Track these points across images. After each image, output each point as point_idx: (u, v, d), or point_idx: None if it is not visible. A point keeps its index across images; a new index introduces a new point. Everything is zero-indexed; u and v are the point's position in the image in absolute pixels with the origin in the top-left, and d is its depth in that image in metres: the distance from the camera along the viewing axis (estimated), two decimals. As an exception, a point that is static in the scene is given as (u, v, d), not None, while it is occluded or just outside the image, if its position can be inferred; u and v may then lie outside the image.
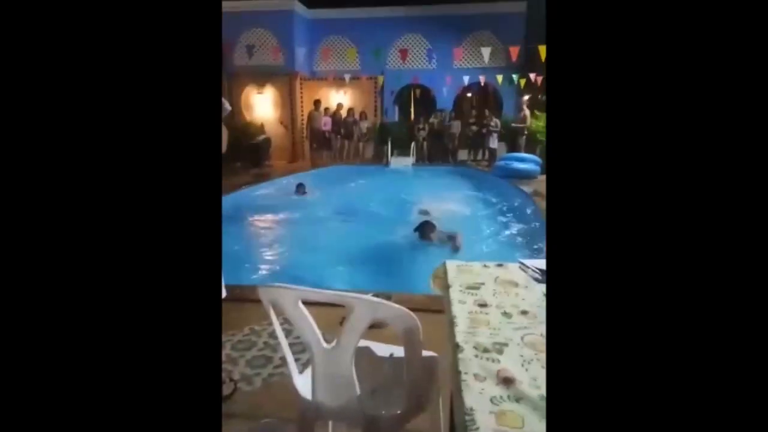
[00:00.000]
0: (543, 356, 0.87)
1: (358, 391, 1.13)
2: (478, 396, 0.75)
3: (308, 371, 1.26)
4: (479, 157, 11.14)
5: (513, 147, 10.11)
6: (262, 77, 11.96)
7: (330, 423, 1.48)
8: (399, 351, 1.34)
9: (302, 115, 12.09)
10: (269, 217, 6.36)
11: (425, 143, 11.21)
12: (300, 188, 7.87)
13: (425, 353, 1.30)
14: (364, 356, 1.36)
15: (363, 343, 1.41)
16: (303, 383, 1.28)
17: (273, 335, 2.36)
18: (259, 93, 12.28)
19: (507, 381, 0.79)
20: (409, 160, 10.55)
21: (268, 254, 4.89)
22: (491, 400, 0.74)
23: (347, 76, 11.75)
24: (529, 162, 8.63)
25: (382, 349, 1.45)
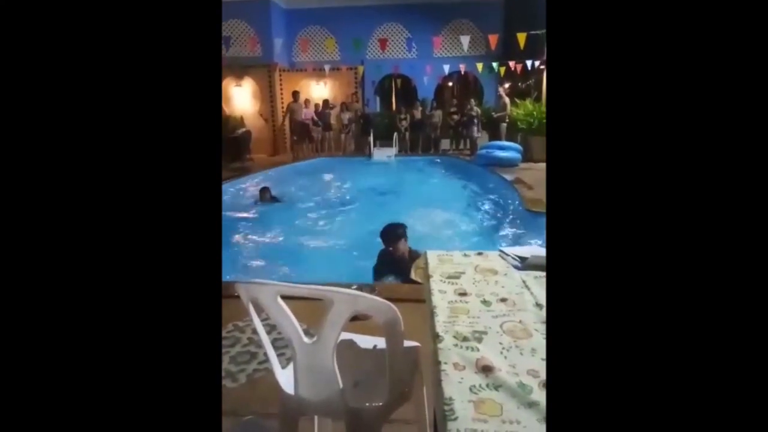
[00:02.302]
0: (521, 343, 0.88)
1: (340, 384, 1.13)
2: (458, 385, 0.75)
3: (291, 366, 1.25)
4: (461, 146, 11.17)
5: (494, 135, 10.16)
6: (240, 69, 11.71)
7: (315, 417, 1.48)
8: (382, 343, 1.34)
9: (282, 107, 11.93)
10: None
11: (407, 133, 11.18)
12: (264, 193, 6.48)
13: (408, 343, 1.30)
14: (346, 349, 1.35)
15: (346, 335, 1.40)
16: (286, 378, 1.27)
17: (257, 331, 2.34)
18: (237, 85, 12.05)
19: (486, 369, 0.79)
20: (391, 151, 10.51)
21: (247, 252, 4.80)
22: (470, 389, 0.74)
23: (327, 67, 11.61)
24: (510, 150, 8.69)
25: (365, 342, 1.45)
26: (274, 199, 6.62)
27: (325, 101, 11.34)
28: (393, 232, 3.09)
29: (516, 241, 4.48)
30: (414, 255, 3.07)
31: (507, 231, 4.95)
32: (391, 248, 3.08)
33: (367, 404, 1.18)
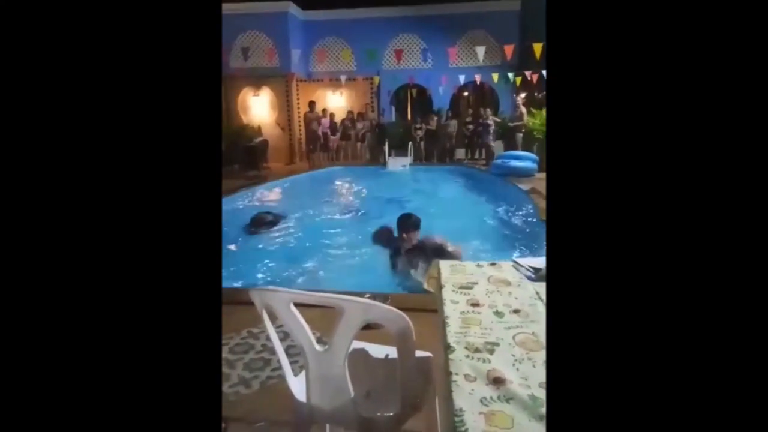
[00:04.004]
0: (534, 355, 0.87)
1: (351, 393, 1.13)
2: (468, 397, 0.75)
3: (304, 374, 1.26)
4: (477, 155, 11.13)
5: (510, 145, 10.11)
6: (258, 79, 11.95)
7: (327, 426, 1.48)
8: (394, 352, 1.34)
9: (299, 116, 12.10)
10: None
11: (422, 143, 11.20)
12: (258, 221, 5.30)
13: (420, 353, 1.30)
14: (358, 358, 1.35)
15: (358, 344, 1.41)
16: (298, 386, 1.28)
17: (270, 338, 2.35)
18: (255, 95, 12.27)
19: (497, 381, 0.79)
20: (406, 160, 10.54)
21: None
22: (481, 401, 0.74)
23: (343, 77, 11.75)
24: (526, 160, 8.63)
25: (377, 351, 1.45)
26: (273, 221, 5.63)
27: (349, 112, 11.46)
28: (408, 220, 3.28)
29: (531, 251, 4.42)
30: (426, 243, 3.25)
31: (522, 241, 4.90)
32: (404, 235, 3.23)
33: (379, 414, 1.18)
